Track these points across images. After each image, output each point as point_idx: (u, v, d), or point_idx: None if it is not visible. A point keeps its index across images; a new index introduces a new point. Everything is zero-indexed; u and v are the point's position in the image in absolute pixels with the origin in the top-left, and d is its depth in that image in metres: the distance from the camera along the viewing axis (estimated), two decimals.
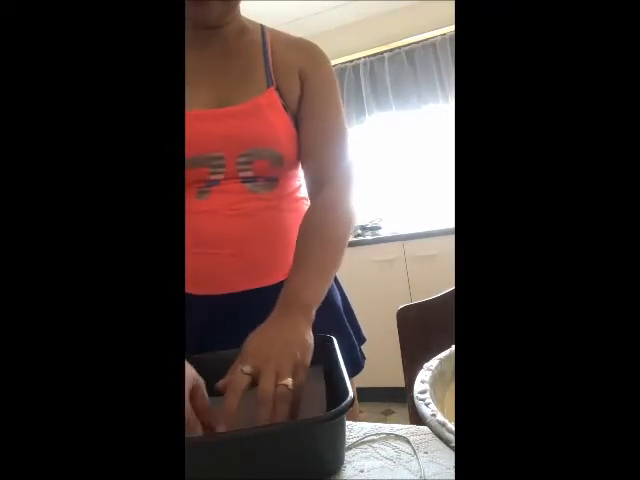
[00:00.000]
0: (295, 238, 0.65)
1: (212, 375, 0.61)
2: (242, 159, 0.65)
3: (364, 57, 2.84)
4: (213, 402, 0.60)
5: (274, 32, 0.74)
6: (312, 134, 0.69)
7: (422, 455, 0.46)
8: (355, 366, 0.78)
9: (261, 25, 0.74)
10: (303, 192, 0.74)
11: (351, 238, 2.37)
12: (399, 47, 2.76)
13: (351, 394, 0.44)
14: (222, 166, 0.65)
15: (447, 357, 0.41)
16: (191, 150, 0.63)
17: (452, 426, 0.30)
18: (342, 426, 0.45)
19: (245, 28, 0.73)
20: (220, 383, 0.49)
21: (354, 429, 0.53)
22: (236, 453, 0.42)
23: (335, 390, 0.53)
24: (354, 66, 2.85)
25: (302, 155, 0.70)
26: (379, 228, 2.72)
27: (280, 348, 0.50)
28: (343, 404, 0.42)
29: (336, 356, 0.55)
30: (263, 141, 0.65)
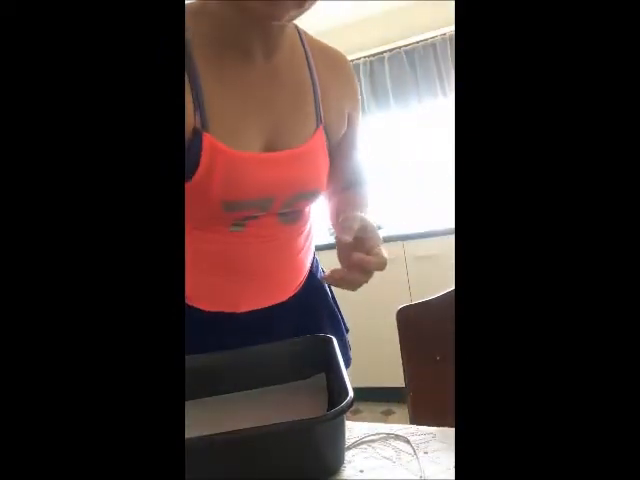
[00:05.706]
0: (303, 259, 0.74)
1: (212, 375, 0.61)
2: (289, 200, 0.68)
3: (364, 57, 2.84)
4: (213, 402, 0.60)
5: (310, 39, 0.71)
6: (346, 149, 0.78)
7: (422, 455, 0.46)
8: (346, 357, 0.80)
9: (295, 26, 0.69)
10: (311, 215, 0.79)
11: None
12: (399, 47, 2.76)
13: (351, 394, 0.44)
14: (270, 207, 0.67)
15: None
16: (243, 193, 0.63)
17: None
18: (342, 426, 0.45)
19: (292, 46, 0.68)
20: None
21: (354, 429, 0.53)
22: (236, 453, 0.42)
23: (335, 390, 0.53)
24: (354, 66, 2.85)
25: (337, 161, 0.77)
26: (379, 228, 2.71)
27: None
28: (343, 404, 0.42)
29: (336, 356, 0.55)
30: (311, 184, 0.69)
